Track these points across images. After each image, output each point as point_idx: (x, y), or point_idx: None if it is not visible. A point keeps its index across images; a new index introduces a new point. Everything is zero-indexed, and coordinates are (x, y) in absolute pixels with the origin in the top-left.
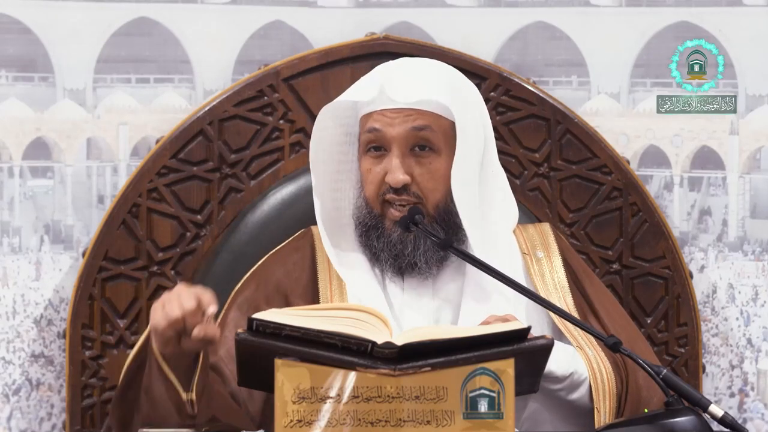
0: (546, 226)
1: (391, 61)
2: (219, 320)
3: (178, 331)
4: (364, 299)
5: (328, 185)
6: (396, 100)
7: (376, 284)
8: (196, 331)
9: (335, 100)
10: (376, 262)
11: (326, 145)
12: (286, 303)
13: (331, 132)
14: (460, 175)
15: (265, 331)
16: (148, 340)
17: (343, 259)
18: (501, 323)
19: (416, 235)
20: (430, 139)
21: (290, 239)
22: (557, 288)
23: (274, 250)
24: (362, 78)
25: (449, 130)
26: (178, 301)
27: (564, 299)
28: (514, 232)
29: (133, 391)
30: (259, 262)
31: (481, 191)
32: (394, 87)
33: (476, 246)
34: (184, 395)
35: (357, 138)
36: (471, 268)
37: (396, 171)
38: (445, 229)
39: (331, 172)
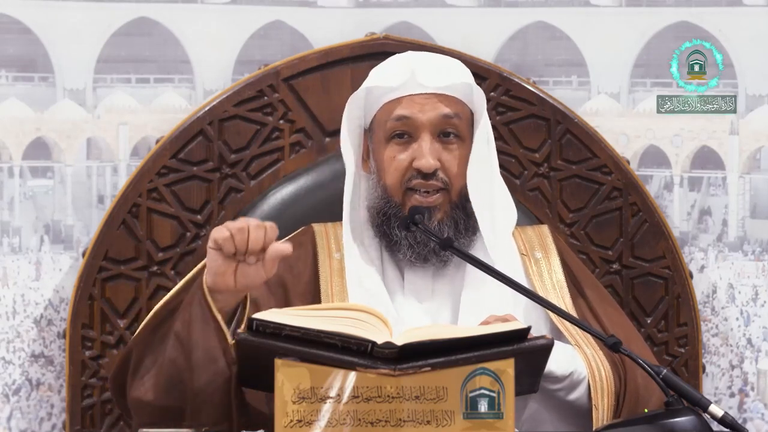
0: (544, 228)
1: (407, 52)
2: None
3: (239, 245)
4: (364, 299)
5: (352, 176)
6: (427, 85)
7: (379, 283)
8: (271, 249)
9: (364, 86)
10: (394, 250)
11: (352, 136)
12: (286, 298)
13: (354, 124)
14: (477, 162)
15: (265, 331)
16: (188, 285)
17: (352, 259)
18: (501, 323)
19: (417, 234)
20: (458, 126)
21: (292, 235)
22: (555, 288)
23: None
24: (384, 66)
25: (470, 118)
26: (239, 222)
27: (562, 299)
28: (512, 233)
29: (159, 336)
30: None
31: (494, 189)
32: (423, 72)
33: (487, 235)
34: (230, 339)
35: (365, 128)
36: (470, 268)
37: (427, 155)
38: (465, 216)
39: (355, 162)
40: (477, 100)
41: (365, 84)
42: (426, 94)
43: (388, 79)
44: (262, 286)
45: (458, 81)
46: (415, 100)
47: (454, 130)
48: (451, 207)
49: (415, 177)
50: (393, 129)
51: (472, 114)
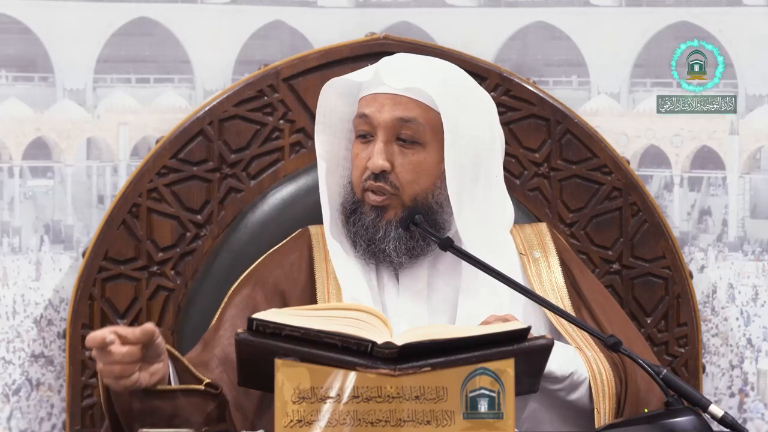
0: (543, 226)
1: (399, 53)
2: (216, 318)
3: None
4: (361, 301)
5: (338, 163)
6: (387, 84)
7: (373, 286)
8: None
9: (339, 78)
10: (354, 247)
11: (336, 122)
12: (284, 304)
13: (341, 110)
14: (452, 173)
15: (265, 331)
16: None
17: (341, 260)
18: (501, 323)
19: (415, 233)
20: (415, 131)
21: (288, 239)
22: (554, 289)
23: (272, 250)
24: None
25: (439, 124)
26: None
27: (561, 300)
28: (510, 232)
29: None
30: (257, 262)
31: (479, 192)
32: (388, 71)
33: (469, 246)
34: (201, 386)
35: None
36: (466, 271)
37: (376, 156)
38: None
39: (341, 149)
40: (447, 104)
41: (343, 76)
42: (388, 94)
43: (359, 75)
44: (259, 293)
45: (420, 85)
46: (377, 98)
47: (411, 134)
48: (403, 211)
49: (369, 177)
50: (357, 126)
51: (441, 119)
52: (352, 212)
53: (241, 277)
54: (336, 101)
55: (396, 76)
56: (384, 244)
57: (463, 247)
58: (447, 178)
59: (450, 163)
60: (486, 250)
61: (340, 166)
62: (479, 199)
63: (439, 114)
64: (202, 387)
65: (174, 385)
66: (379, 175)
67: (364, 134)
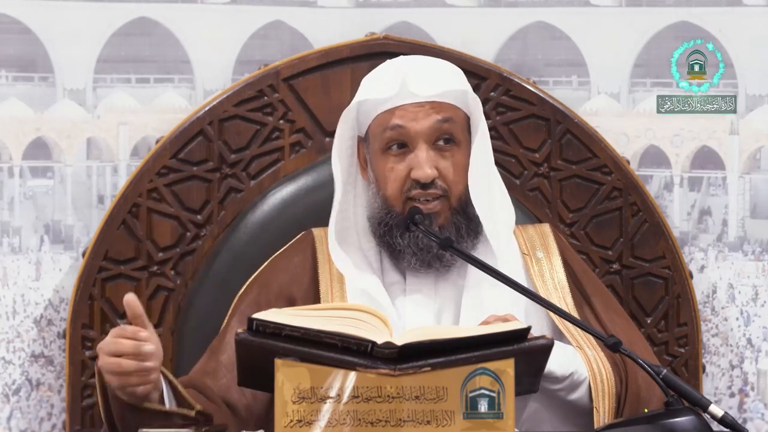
0: (546, 227)
1: (399, 58)
2: (222, 327)
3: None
4: (365, 302)
5: (341, 188)
6: (419, 94)
7: (378, 286)
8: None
9: (354, 101)
10: (398, 259)
11: (343, 148)
12: (291, 306)
13: (346, 135)
14: (477, 167)
15: (265, 331)
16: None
17: (348, 262)
18: (501, 323)
19: (416, 235)
20: (453, 131)
21: (291, 243)
22: (557, 288)
23: (275, 255)
24: (375, 76)
25: (464, 122)
26: (110, 351)
27: (564, 299)
28: (513, 232)
29: None
30: (261, 268)
31: (490, 185)
32: (415, 82)
33: (492, 239)
34: (192, 412)
35: (359, 140)
36: (471, 269)
37: (424, 166)
38: (466, 221)
39: (345, 174)
40: (473, 103)
41: (358, 97)
42: (419, 103)
43: (380, 91)
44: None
45: (451, 88)
46: (407, 109)
47: (448, 135)
48: (452, 212)
49: (414, 187)
50: (389, 139)
51: (466, 117)
52: (397, 226)
53: (246, 283)
54: (350, 123)
55: (425, 85)
56: (441, 250)
57: (493, 245)
58: (473, 176)
59: (476, 161)
60: (499, 244)
61: (351, 185)
62: (491, 195)
63: (463, 112)
64: (192, 413)
65: (168, 406)
66: (428, 183)
67: (398, 145)
